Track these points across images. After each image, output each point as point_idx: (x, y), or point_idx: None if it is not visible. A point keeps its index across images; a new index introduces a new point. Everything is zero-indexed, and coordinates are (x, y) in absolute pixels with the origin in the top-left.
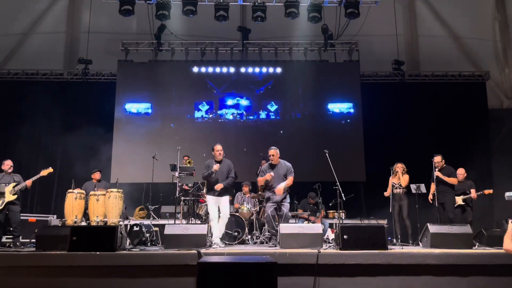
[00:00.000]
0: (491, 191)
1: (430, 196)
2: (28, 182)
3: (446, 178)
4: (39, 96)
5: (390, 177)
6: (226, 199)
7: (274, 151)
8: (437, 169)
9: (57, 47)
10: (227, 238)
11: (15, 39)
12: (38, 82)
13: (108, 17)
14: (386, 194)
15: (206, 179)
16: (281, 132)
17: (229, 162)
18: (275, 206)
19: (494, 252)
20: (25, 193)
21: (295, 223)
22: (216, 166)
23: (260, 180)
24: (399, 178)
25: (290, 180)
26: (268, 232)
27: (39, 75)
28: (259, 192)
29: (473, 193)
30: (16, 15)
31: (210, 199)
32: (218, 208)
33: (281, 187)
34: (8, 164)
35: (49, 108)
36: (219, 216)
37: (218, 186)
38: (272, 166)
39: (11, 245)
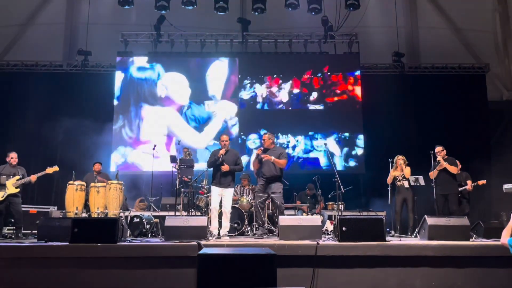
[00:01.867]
0: (484, 181)
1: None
2: (33, 177)
3: (448, 166)
4: (38, 88)
5: (391, 170)
6: (230, 192)
7: (265, 136)
8: (439, 157)
9: (56, 38)
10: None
11: (14, 30)
12: (37, 73)
13: (108, 8)
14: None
15: (211, 166)
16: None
17: (235, 152)
18: (264, 198)
19: (491, 244)
20: (26, 186)
21: (294, 214)
22: (222, 151)
23: (254, 163)
24: (401, 170)
25: (281, 161)
26: (255, 222)
27: (38, 66)
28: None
29: (469, 185)
30: (15, 6)
31: (214, 190)
32: (220, 200)
33: (269, 156)
34: (12, 156)
35: (48, 99)
36: (220, 208)
37: (225, 167)
38: (265, 150)
39: (13, 236)
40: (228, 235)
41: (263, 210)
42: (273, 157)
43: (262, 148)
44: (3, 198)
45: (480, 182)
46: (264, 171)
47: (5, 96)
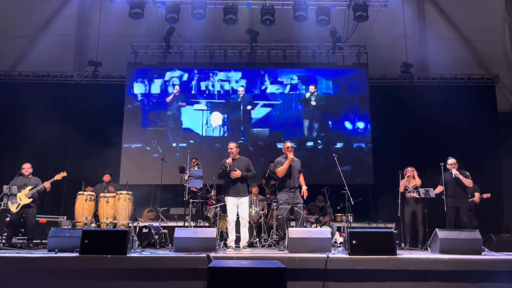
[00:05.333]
0: (488, 195)
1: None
2: (46, 184)
3: (463, 179)
4: (49, 98)
5: (401, 181)
6: (246, 201)
7: (291, 144)
8: (454, 170)
9: (67, 49)
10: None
11: (25, 41)
12: (48, 84)
13: (118, 19)
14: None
15: (221, 177)
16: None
17: (246, 159)
18: (289, 209)
19: (503, 259)
20: (42, 193)
21: (304, 226)
22: (229, 160)
23: (281, 170)
24: (410, 181)
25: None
26: (277, 235)
27: (49, 77)
28: (267, 195)
29: (476, 197)
30: (27, 17)
31: (229, 200)
32: (236, 211)
33: (305, 190)
34: (26, 167)
35: (59, 110)
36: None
37: (236, 173)
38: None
39: (23, 246)
40: (236, 246)
41: (288, 222)
42: (305, 188)
43: (295, 158)
44: (17, 210)
45: (484, 196)
46: (291, 183)
47: (16, 107)
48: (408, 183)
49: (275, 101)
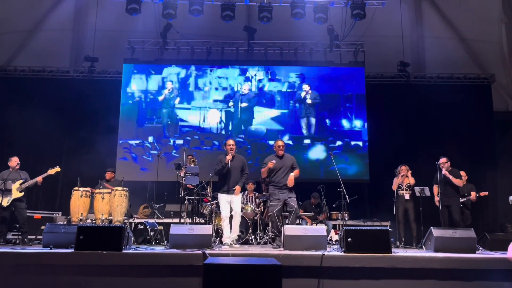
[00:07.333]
0: (486, 193)
1: (437, 198)
2: (39, 179)
3: (453, 179)
4: (45, 93)
5: (394, 179)
6: (239, 197)
7: (283, 142)
8: (444, 169)
9: (63, 44)
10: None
11: (22, 36)
12: (44, 79)
13: (115, 15)
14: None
15: (219, 174)
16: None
17: (242, 158)
18: (281, 206)
19: (498, 257)
20: (31, 190)
21: (299, 223)
22: (229, 156)
23: (264, 171)
24: (404, 179)
25: (297, 171)
26: (272, 232)
27: (45, 72)
28: (263, 192)
29: (473, 196)
30: (23, 12)
31: (222, 197)
32: (230, 208)
33: (292, 177)
34: (15, 161)
35: (55, 105)
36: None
37: (237, 191)
38: (279, 157)
39: (18, 242)
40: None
41: (279, 218)
42: (292, 175)
43: (274, 162)
44: (8, 203)
45: (482, 194)
46: (278, 180)
47: (12, 101)
48: (401, 182)
49: (272, 99)
